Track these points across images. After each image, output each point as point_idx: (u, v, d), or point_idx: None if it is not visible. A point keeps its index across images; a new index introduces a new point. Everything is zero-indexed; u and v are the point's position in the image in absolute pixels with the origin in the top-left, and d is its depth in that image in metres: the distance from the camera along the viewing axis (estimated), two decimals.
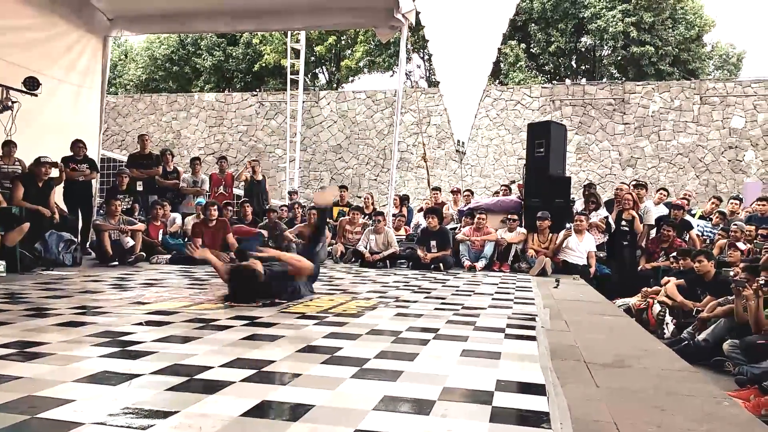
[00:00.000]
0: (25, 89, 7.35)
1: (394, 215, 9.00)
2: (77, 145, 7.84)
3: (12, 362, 2.18)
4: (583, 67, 23.84)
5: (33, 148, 7.28)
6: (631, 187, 8.51)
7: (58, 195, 7.39)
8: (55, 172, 7.26)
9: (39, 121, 7.82)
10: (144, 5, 8.71)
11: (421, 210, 10.12)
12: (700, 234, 7.81)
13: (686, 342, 4.98)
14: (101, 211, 7.79)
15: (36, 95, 7.50)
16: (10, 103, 7.16)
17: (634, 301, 6.29)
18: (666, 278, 6.39)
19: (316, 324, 3.20)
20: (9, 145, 7.12)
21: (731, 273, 5.57)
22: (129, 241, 7.02)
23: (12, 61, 7.43)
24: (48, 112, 8.05)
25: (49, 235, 6.24)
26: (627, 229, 7.79)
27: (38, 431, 1.53)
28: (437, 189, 10.75)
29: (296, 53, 15.10)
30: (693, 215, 8.79)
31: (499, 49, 13.70)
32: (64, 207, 7.50)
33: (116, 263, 6.68)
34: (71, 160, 7.72)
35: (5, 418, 1.58)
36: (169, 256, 7.33)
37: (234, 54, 23.62)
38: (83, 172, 7.81)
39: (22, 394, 1.79)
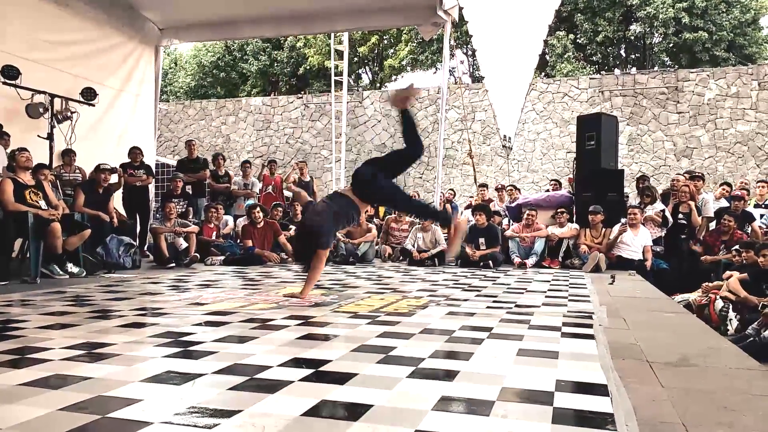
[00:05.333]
0: (82, 99, 7.67)
1: None
2: (134, 151, 8.15)
3: (81, 363, 2.27)
4: (633, 56, 23.16)
5: (92, 156, 7.62)
6: (687, 179, 8.22)
7: (117, 200, 7.69)
8: (114, 178, 7.57)
9: (97, 130, 8.18)
10: (192, 15, 8.98)
11: (468, 207, 10.04)
12: (763, 226, 7.47)
13: (751, 338, 4.76)
14: (157, 215, 8.06)
15: (93, 105, 7.82)
16: (69, 113, 7.48)
17: (694, 296, 6.06)
18: (728, 272, 6.13)
19: (368, 323, 3.21)
20: (69, 153, 7.45)
21: None
22: (182, 243, 7.23)
23: (72, 73, 7.79)
24: (106, 120, 8.41)
25: (110, 240, 6.50)
26: (684, 222, 7.53)
27: (110, 430, 1.58)
28: (484, 186, 10.64)
29: (340, 55, 15.23)
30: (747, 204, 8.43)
31: (545, 41, 13.46)
32: (123, 212, 7.80)
33: (173, 265, 6.89)
34: (129, 166, 8.03)
35: (79, 418, 1.64)
36: (222, 258, 7.52)
37: (279, 58, 24.02)
38: (140, 177, 8.10)
39: (92, 395, 1.85)
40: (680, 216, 7.61)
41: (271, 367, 2.22)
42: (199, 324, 3.13)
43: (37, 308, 3.69)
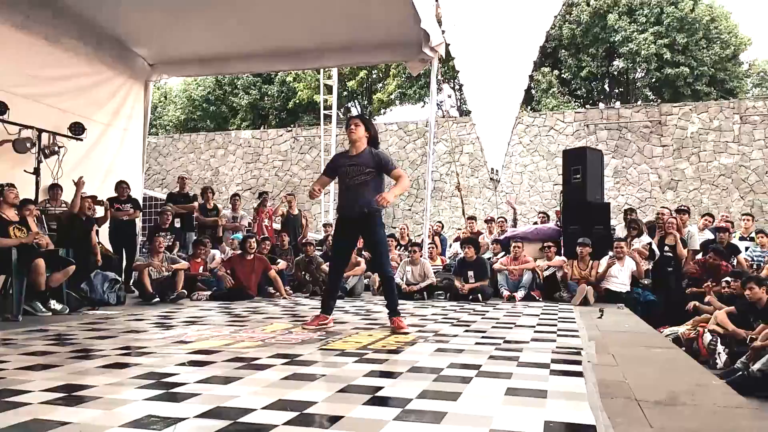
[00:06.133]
0: (70, 134, 7.66)
1: (429, 245, 8.97)
2: (121, 186, 8.12)
3: (59, 407, 2.22)
4: (617, 91, 23.63)
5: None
6: (673, 213, 8.31)
7: (103, 235, 7.62)
8: (100, 212, 7.51)
9: (85, 164, 8.14)
10: (182, 50, 9.07)
11: (457, 239, 10.06)
12: (748, 258, 7.53)
13: (740, 372, 4.76)
14: (143, 250, 7.99)
15: (81, 140, 7.82)
16: (56, 148, 7.47)
17: (683, 329, 6.07)
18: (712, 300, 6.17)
19: (355, 362, 3.17)
20: (55, 188, 7.41)
21: None
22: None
23: (61, 108, 7.81)
24: (94, 155, 8.40)
25: (95, 275, 6.43)
26: (671, 254, 7.58)
27: None
28: (473, 218, 10.68)
29: (329, 89, 15.42)
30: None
31: (531, 76, 13.71)
32: (109, 246, 7.72)
33: (157, 300, 6.80)
34: (116, 200, 7.98)
35: None
36: (209, 293, 7.44)
37: (269, 92, 24.23)
38: (127, 211, 8.05)
39: None
40: (666, 248, 7.66)
41: (255, 409, 2.17)
42: (183, 364, 3.08)
43: (17, 348, 3.62)
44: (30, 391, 2.44)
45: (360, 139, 4.51)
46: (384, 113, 25.77)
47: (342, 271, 4.97)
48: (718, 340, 5.60)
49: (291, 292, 8.11)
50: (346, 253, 4.90)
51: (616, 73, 22.61)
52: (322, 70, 15.32)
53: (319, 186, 4.72)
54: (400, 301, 7.20)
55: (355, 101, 26.02)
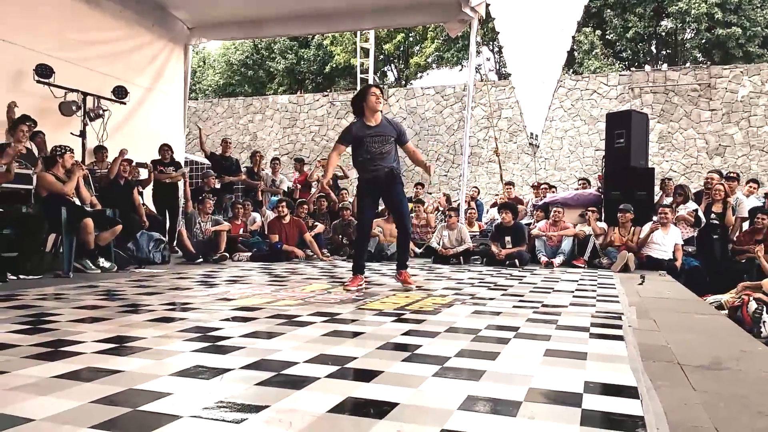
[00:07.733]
0: (114, 98, 7.81)
1: (465, 210, 8.93)
2: (164, 148, 8.29)
3: (112, 356, 2.32)
4: (664, 52, 22.69)
5: None
6: (723, 179, 8.04)
7: (147, 197, 7.81)
8: (144, 174, 7.69)
9: (128, 127, 8.32)
10: (221, 13, 9.08)
11: (494, 205, 9.97)
12: None
13: None
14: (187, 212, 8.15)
15: (124, 103, 7.97)
16: (101, 111, 7.63)
17: (727, 297, 5.91)
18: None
19: (394, 321, 3.21)
20: (101, 150, 7.60)
21: None
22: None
23: (103, 72, 7.95)
24: (136, 118, 8.56)
25: (140, 235, 6.63)
26: (717, 222, 7.36)
27: (140, 423, 1.61)
28: (510, 183, 10.54)
29: (365, 52, 15.25)
30: None
31: (573, 37, 13.27)
32: (152, 208, 7.93)
33: (201, 260, 6.99)
34: (159, 163, 8.16)
35: (109, 411, 1.67)
36: (249, 254, 7.59)
37: (306, 56, 24.14)
38: (170, 174, 8.22)
39: (123, 388, 1.89)
40: (713, 216, 7.44)
41: (297, 363, 2.23)
42: (227, 319, 3.17)
43: (69, 302, 3.78)
44: (83, 342, 2.56)
45: (381, 109, 4.82)
46: (420, 77, 25.43)
47: (369, 231, 5.27)
48: (764, 308, 5.45)
49: (329, 255, 8.21)
50: (372, 213, 5.27)
51: (663, 33, 21.67)
52: (358, 33, 15.13)
53: (334, 164, 5.07)
54: (436, 265, 7.26)
55: (392, 65, 25.72)
